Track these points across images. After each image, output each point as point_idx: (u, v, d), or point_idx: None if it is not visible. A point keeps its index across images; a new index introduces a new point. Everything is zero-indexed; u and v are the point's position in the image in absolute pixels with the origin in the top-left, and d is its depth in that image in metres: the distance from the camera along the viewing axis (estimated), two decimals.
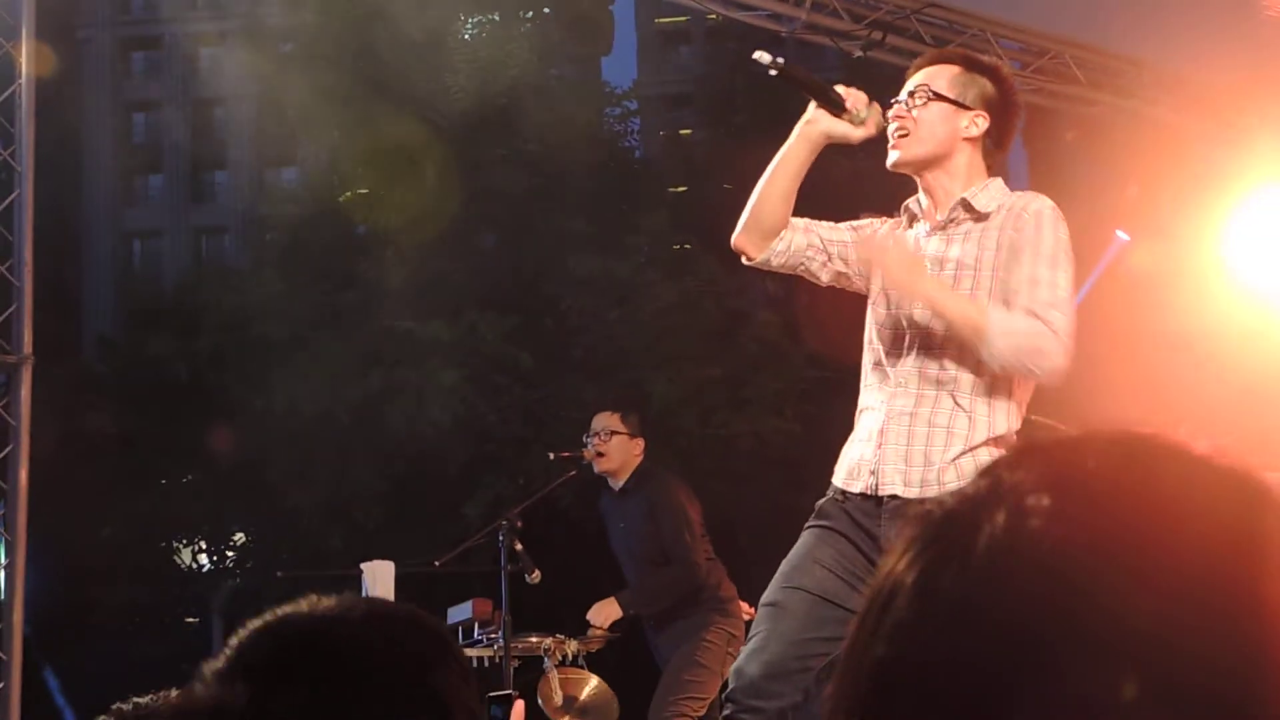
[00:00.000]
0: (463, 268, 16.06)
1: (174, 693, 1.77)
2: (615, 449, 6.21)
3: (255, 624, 1.28)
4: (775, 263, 3.61)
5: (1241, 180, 8.21)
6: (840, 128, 3.48)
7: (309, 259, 17.54)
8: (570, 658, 6.15)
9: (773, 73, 3.49)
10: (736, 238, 3.61)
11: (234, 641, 1.27)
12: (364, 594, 5.86)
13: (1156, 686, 0.64)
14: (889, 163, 3.53)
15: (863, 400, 3.53)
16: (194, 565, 18.67)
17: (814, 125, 3.51)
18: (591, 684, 6.23)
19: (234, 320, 17.49)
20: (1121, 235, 8.81)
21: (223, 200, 42.19)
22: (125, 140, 43.67)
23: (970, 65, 3.54)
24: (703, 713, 5.96)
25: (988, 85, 3.51)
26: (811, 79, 3.55)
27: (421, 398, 15.30)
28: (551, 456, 6.54)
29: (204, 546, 18.55)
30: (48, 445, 6.70)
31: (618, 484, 6.26)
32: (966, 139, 3.47)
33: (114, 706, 1.29)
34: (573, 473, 6.54)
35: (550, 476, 6.77)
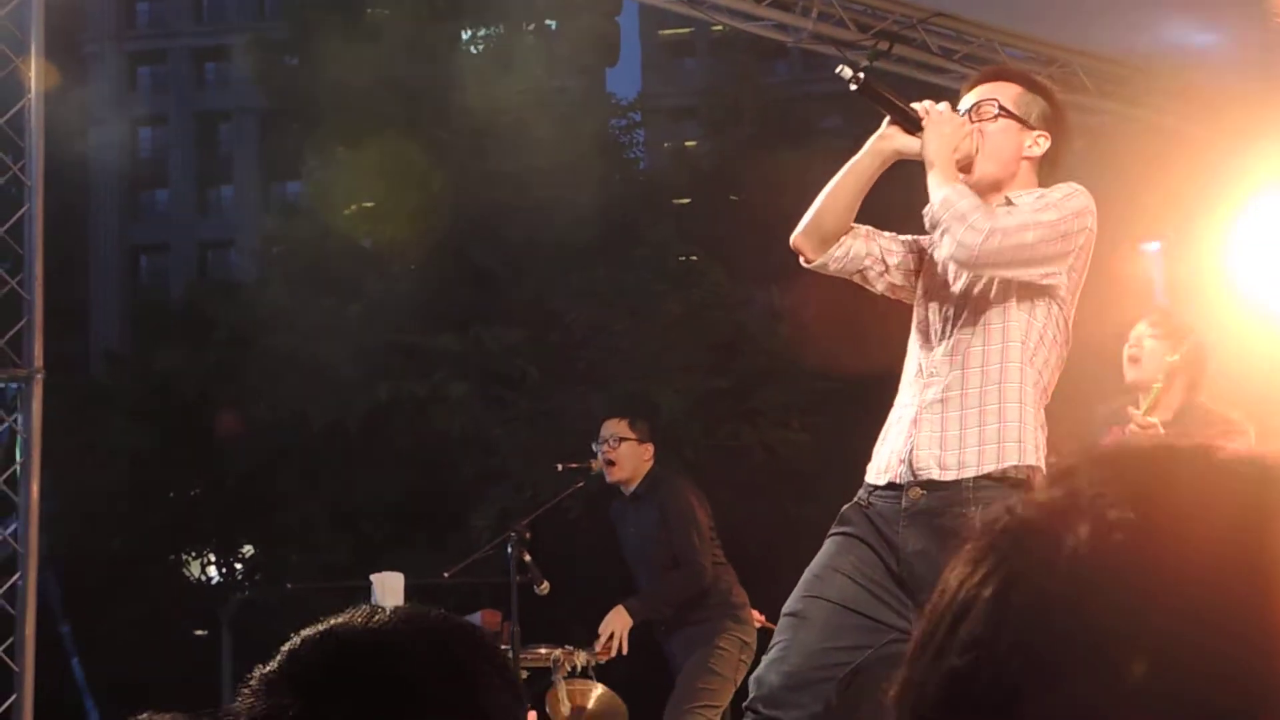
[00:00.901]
0: (468, 280, 16.07)
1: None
2: (625, 456, 6.22)
3: (305, 634, 1.28)
4: (833, 267, 3.60)
5: (1249, 187, 8.21)
6: (913, 146, 3.46)
7: (315, 272, 17.57)
8: (580, 669, 6.15)
9: (853, 88, 3.49)
10: (796, 238, 3.60)
11: (283, 651, 1.27)
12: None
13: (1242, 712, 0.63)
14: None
15: (897, 400, 3.55)
16: (203, 578, 18.68)
17: (886, 142, 3.50)
18: (598, 693, 6.22)
19: (241, 333, 17.51)
20: (1150, 246, 8.78)
21: (229, 214, 42.26)
22: (132, 154, 43.76)
23: (1031, 85, 3.57)
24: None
25: (1046, 105, 3.52)
26: (890, 98, 3.51)
27: (428, 410, 15.31)
28: (559, 468, 6.55)
29: (213, 559, 18.56)
30: (57, 459, 6.71)
31: (629, 490, 6.27)
32: (1028, 158, 3.48)
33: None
34: (580, 484, 6.55)
35: (558, 488, 6.78)
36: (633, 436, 6.24)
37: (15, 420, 5.69)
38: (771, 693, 3.37)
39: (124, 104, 40.09)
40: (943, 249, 3.32)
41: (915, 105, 3.47)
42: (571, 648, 6.12)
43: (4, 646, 5.48)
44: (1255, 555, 0.66)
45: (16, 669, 5.43)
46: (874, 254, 3.59)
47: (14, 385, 5.74)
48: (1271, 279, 8.32)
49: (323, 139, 19.03)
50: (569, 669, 6.11)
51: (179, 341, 18.93)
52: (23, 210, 5.76)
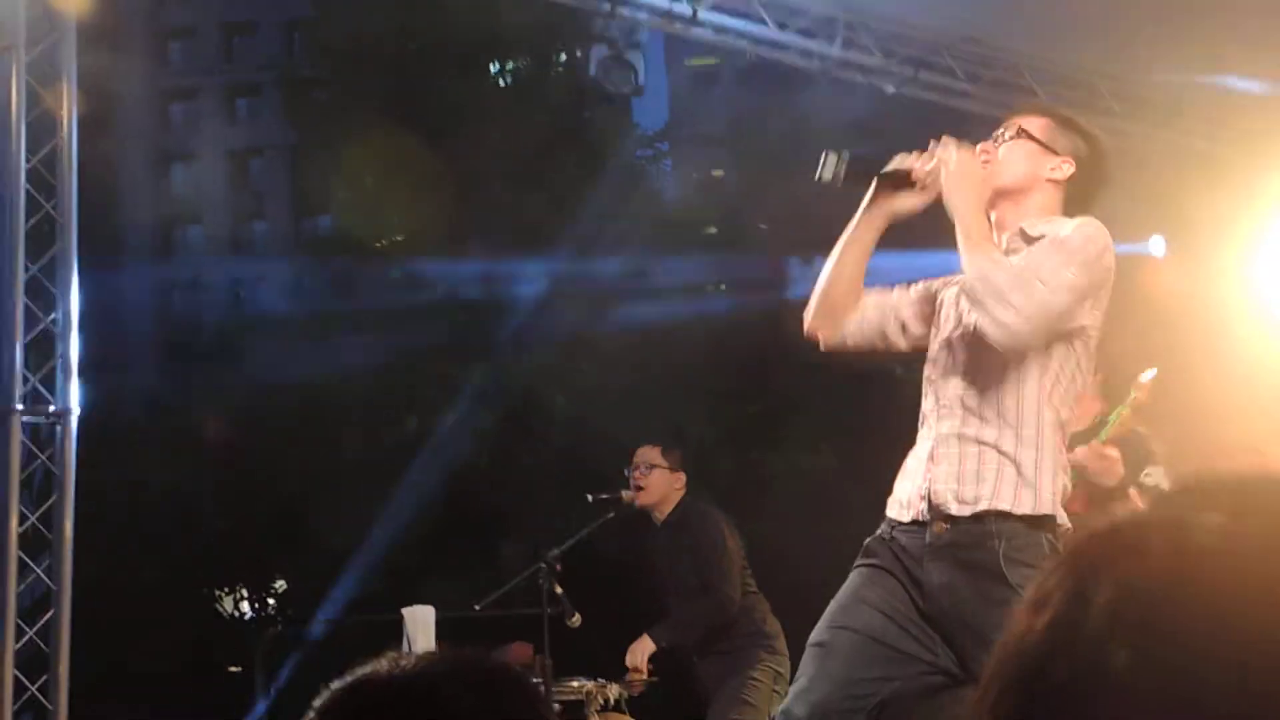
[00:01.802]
0: (496, 309, 16.11)
1: None
2: (656, 483, 6.22)
3: (337, 684, 1.26)
4: (851, 342, 3.60)
5: (1274, 207, 8.17)
6: (905, 204, 3.48)
7: (346, 305, 17.64)
8: (613, 702, 6.13)
9: (839, 186, 3.47)
10: (809, 324, 3.60)
11: (316, 703, 1.25)
12: (405, 640, 5.86)
13: None
14: None
15: (919, 435, 3.53)
16: (236, 613, 18.72)
17: (877, 208, 3.51)
18: None
19: (273, 367, 17.59)
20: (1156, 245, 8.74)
21: (260, 249, 42.49)
22: (164, 191, 44.08)
23: (1067, 123, 3.55)
24: None
25: (1081, 143, 3.51)
26: (874, 164, 3.49)
27: (458, 441, 15.33)
28: (590, 499, 6.55)
29: (245, 594, 18.60)
30: (91, 495, 6.75)
31: (659, 518, 6.26)
32: (1050, 180, 3.46)
33: None
34: (611, 515, 6.54)
35: (588, 519, 6.77)
36: (664, 464, 6.24)
37: (48, 457, 5.73)
38: None
39: (156, 140, 40.42)
40: (983, 326, 3.26)
41: (893, 164, 3.46)
42: (604, 681, 6.11)
43: (39, 684, 5.50)
44: None
45: (51, 707, 5.46)
46: (888, 316, 3.58)
47: (47, 422, 5.78)
48: None
49: (352, 173, 19.14)
50: (601, 703, 6.09)
51: (211, 377, 19.03)
52: (55, 248, 5.82)
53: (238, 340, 20.27)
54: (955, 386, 3.41)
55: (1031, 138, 3.47)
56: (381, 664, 1.27)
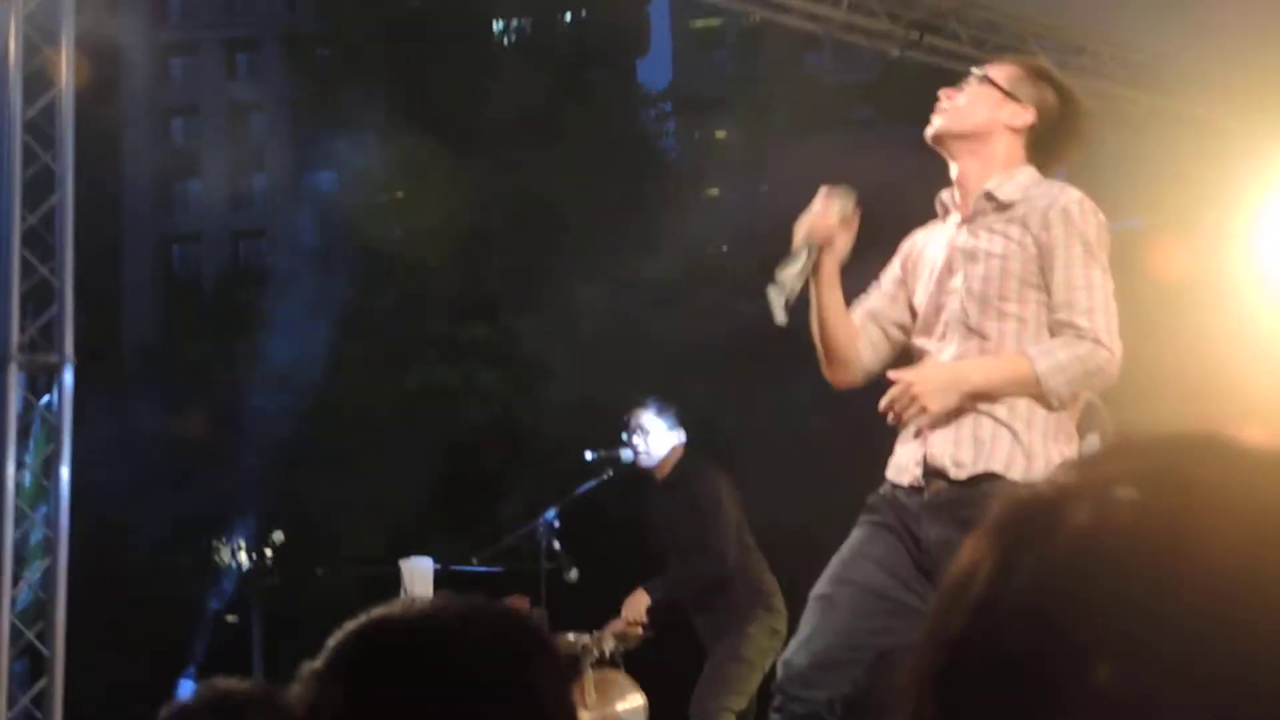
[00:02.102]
0: (498, 269, 16.10)
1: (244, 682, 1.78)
2: (654, 443, 6.25)
3: (350, 625, 1.28)
4: (877, 368, 3.65)
5: (1277, 177, 8.16)
6: (839, 249, 3.52)
7: (347, 262, 17.63)
8: (607, 656, 6.16)
9: (789, 303, 3.49)
10: (830, 375, 3.68)
11: (330, 643, 1.27)
12: (403, 592, 5.89)
13: (1239, 709, 0.63)
14: (927, 134, 3.54)
15: None
16: (233, 564, 18.80)
17: (822, 271, 3.54)
18: (631, 700, 6.20)
19: (273, 324, 17.60)
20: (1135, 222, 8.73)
21: (261, 204, 42.42)
22: (164, 145, 43.98)
23: (1036, 73, 3.56)
24: (744, 706, 5.97)
25: (1048, 93, 3.52)
26: (797, 270, 3.51)
27: (459, 398, 15.36)
28: (589, 456, 6.57)
29: (243, 545, 18.69)
30: (89, 446, 6.77)
31: (659, 477, 6.29)
32: (1010, 128, 3.48)
33: (205, 683, 1.31)
34: (609, 473, 6.57)
35: (588, 476, 6.79)
36: (661, 424, 6.27)
37: (46, 407, 5.75)
38: (800, 673, 3.39)
39: (156, 95, 40.30)
40: (1075, 393, 3.37)
41: (799, 242, 3.49)
42: (600, 635, 6.14)
43: (35, 631, 5.53)
44: (1265, 545, 0.66)
45: (48, 654, 5.49)
46: (886, 327, 3.65)
47: (45, 372, 5.79)
48: None
49: (354, 130, 19.10)
50: (597, 656, 6.12)
51: (211, 331, 19.03)
52: (53, 199, 5.81)
53: (237, 294, 20.26)
54: (949, 357, 3.44)
55: (993, 85, 3.49)
56: (395, 606, 1.29)
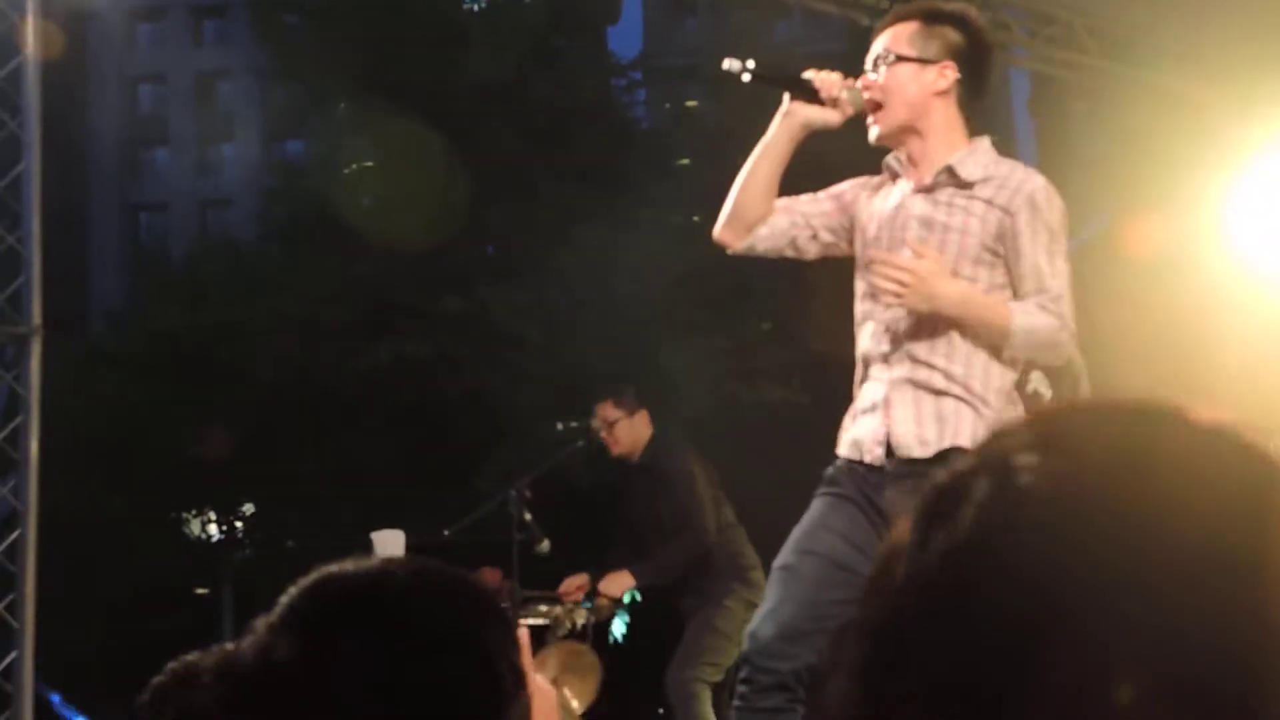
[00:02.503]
0: (471, 240, 16.05)
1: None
2: (621, 433, 6.29)
3: (304, 580, 1.30)
4: (760, 248, 3.63)
5: (1249, 150, 8.18)
6: (819, 115, 3.51)
7: (317, 232, 17.54)
8: (579, 627, 6.17)
9: (746, 78, 3.52)
10: (719, 231, 3.64)
11: (284, 598, 1.29)
12: None
13: (1148, 672, 0.63)
14: (870, 139, 3.54)
15: (860, 370, 3.55)
16: (203, 536, 18.74)
17: (792, 117, 3.54)
18: (579, 653, 6.20)
19: (242, 293, 17.50)
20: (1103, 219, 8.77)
21: (229, 173, 42.15)
22: (131, 113, 43.62)
23: (931, 18, 3.52)
24: (719, 678, 5.99)
25: (951, 34, 3.49)
26: (783, 75, 3.61)
27: (431, 370, 15.32)
28: (559, 426, 6.58)
29: (213, 517, 18.61)
30: (57, 417, 6.71)
31: (634, 460, 6.32)
32: (938, 94, 3.46)
33: (169, 666, 1.32)
34: (580, 443, 6.57)
35: (559, 447, 6.79)
36: (622, 413, 6.30)
37: (14, 377, 5.70)
38: (766, 644, 3.41)
39: (123, 62, 39.93)
40: (1049, 363, 3.44)
41: (807, 74, 3.52)
42: (571, 606, 6.15)
43: (5, 603, 5.50)
44: (1171, 508, 0.66)
45: (17, 625, 5.46)
46: (798, 223, 3.60)
47: (12, 349, 5.74)
48: (1269, 241, 8.31)
49: (323, 98, 18.97)
50: (568, 628, 6.13)
51: (179, 301, 18.92)
52: (20, 167, 5.75)
53: (205, 263, 20.14)
54: (901, 333, 3.44)
55: (905, 59, 3.47)
56: (346, 564, 1.31)
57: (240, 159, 41.34)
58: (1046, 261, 3.35)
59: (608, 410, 6.31)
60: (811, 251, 3.64)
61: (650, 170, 17.55)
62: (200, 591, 18.06)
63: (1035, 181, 3.41)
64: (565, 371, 14.02)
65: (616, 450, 6.31)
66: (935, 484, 0.73)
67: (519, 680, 1.30)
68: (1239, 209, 8.37)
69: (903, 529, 0.72)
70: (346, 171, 17.74)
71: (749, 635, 3.48)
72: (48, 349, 5.72)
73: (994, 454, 0.71)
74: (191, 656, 1.90)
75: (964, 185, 3.42)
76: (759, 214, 3.58)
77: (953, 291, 3.29)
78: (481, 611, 1.31)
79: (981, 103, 3.55)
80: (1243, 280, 8.35)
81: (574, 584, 6.26)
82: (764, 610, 3.48)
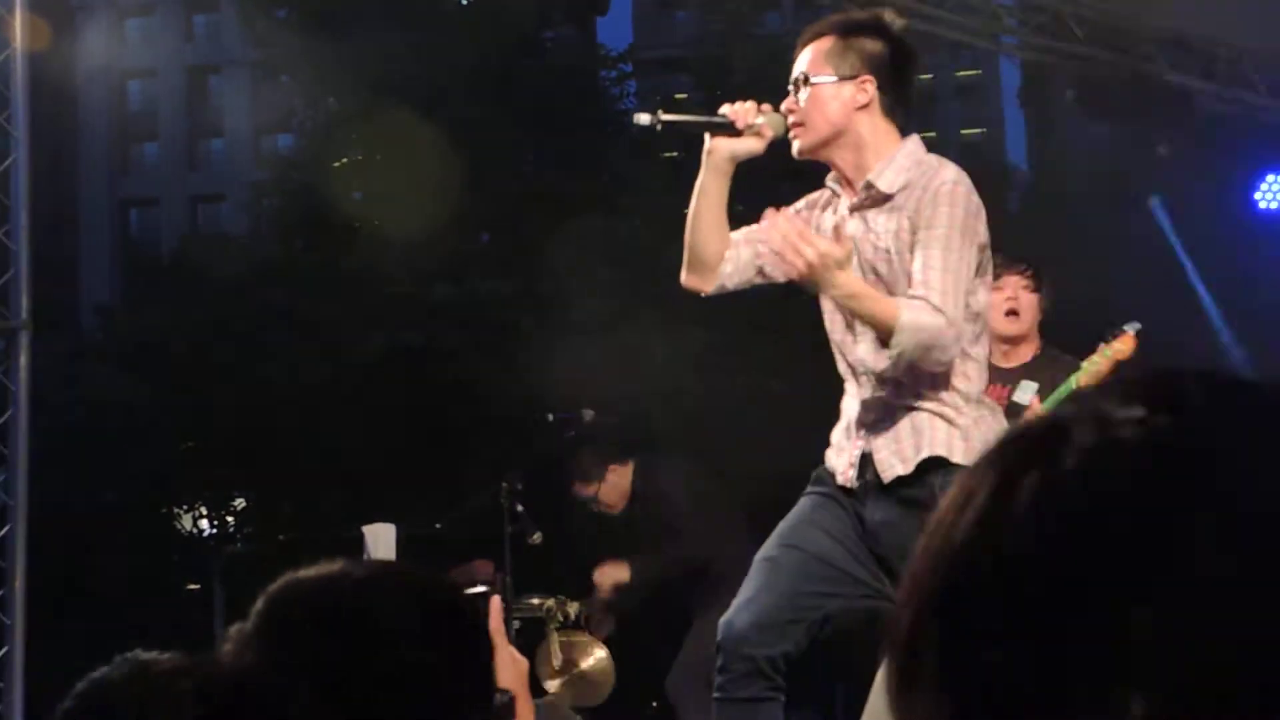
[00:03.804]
0: (461, 230, 16.03)
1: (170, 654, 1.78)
2: (612, 492, 6.30)
3: (272, 588, 1.30)
4: (730, 285, 3.63)
5: (1245, 138, 8.19)
6: (741, 146, 3.50)
7: (307, 225, 17.50)
8: (572, 619, 6.17)
9: (658, 129, 3.55)
10: (685, 279, 3.64)
11: (255, 609, 1.29)
12: (366, 556, 5.87)
13: (1245, 626, 0.64)
14: (793, 153, 3.52)
15: (844, 390, 3.56)
16: (195, 531, 18.71)
17: (716, 153, 3.53)
18: (595, 655, 6.22)
19: (233, 287, 17.46)
20: (1157, 205, 8.78)
21: (219, 167, 42.07)
22: (121, 107, 43.53)
23: (846, 30, 3.49)
24: None
25: (868, 44, 3.46)
26: (693, 119, 3.63)
27: (423, 361, 15.31)
28: (550, 418, 6.57)
29: (204, 512, 18.58)
30: (48, 412, 6.71)
31: (630, 502, 6.36)
32: (859, 109, 3.43)
33: (126, 656, 1.32)
34: (572, 433, 6.56)
35: (551, 438, 6.79)
36: (594, 485, 6.34)
37: (3, 372, 5.69)
38: (740, 633, 3.42)
39: (113, 56, 39.83)
40: (926, 363, 3.29)
41: (723, 109, 3.51)
42: (564, 598, 6.15)
43: None
44: (1254, 464, 0.67)
45: (8, 621, 5.45)
46: (760, 252, 3.58)
47: (1, 344, 5.73)
48: (1268, 230, 8.34)
49: (312, 91, 18.91)
50: (561, 619, 6.13)
51: (170, 295, 18.87)
52: (9, 161, 5.73)
53: (195, 257, 20.10)
54: (863, 355, 3.45)
55: (819, 81, 3.43)
56: (311, 569, 1.31)
57: (230, 153, 41.26)
58: (939, 258, 3.27)
59: (580, 489, 6.35)
60: (780, 275, 3.60)
61: (640, 161, 17.53)
62: (192, 586, 18.03)
63: (944, 175, 3.36)
64: (556, 362, 14.02)
65: (618, 507, 6.36)
66: (1018, 430, 0.73)
67: (489, 683, 1.30)
68: (1234, 198, 8.39)
69: (974, 474, 0.72)
70: (336, 165, 17.71)
71: (724, 624, 3.49)
72: (37, 344, 5.72)
73: (1095, 405, 0.71)
74: (143, 655, 1.88)
75: (885, 199, 3.40)
76: (716, 252, 3.57)
77: (844, 282, 3.23)
78: (449, 615, 1.31)
79: (905, 108, 3.50)
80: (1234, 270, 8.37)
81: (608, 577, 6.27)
82: (741, 599, 3.49)
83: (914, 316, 3.22)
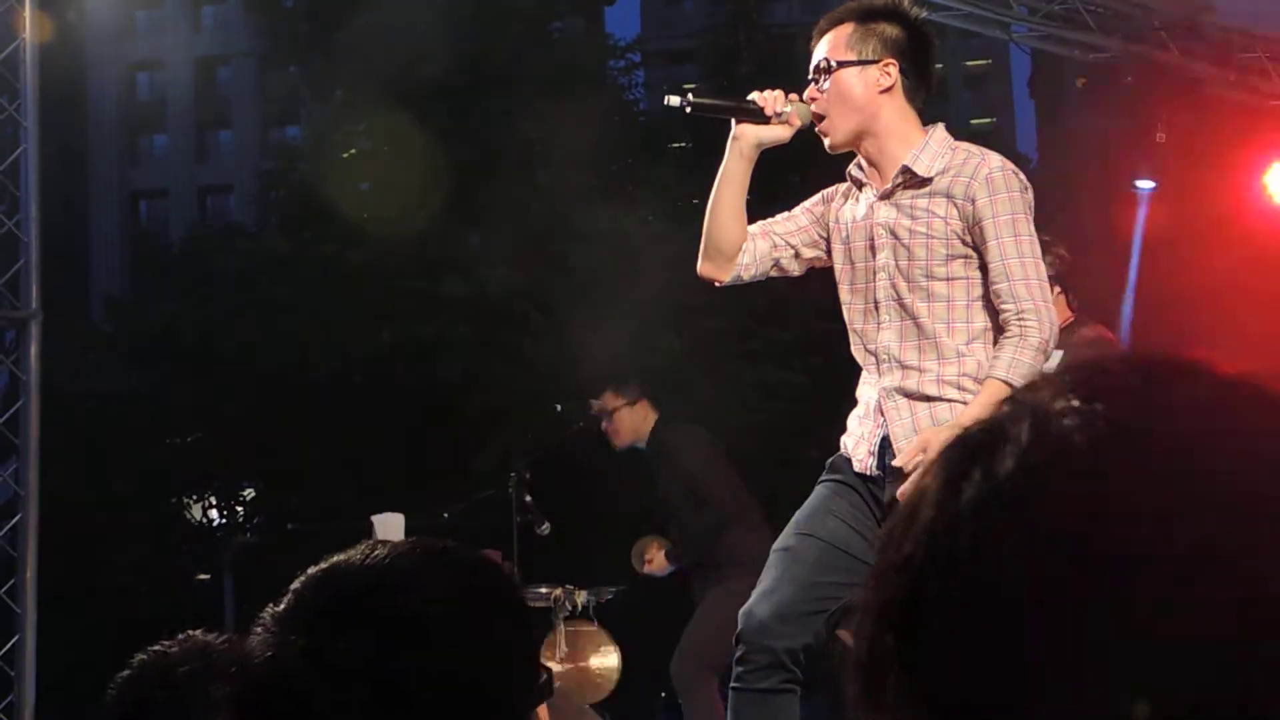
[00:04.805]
0: (469, 222, 16.03)
1: (216, 635, 1.77)
2: (622, 423, 6.31)
3: (311, 571, 1.27)
4: (746, 276, 3.63)
5: (1257, 130, 8.17)
6: (768, 133, 3.51)
7: (316, 217, 17.50)
8: (580, 608, 6.18)
9: (687, 110, 3.54)
10: (701, 267, 3.65)
11: (291, 589, 1.26)
12: None
13: (1195, 596, 0.63)
14: (826, 148, 3.54)
15: (861, 378, 3.56)
16: (204, 521, 18.74)
17: (742, 140, 3.53)
18: (603, 650, 6.22)
19: (242, 279, 17.47)
20: (1143, 185, 8.73)
21: (228, 159, 42.11)
22: (130, 99, 43.55)
23: (865, 16, 3.51)
24: (724, 669, 5.99)
25: (888, 29, 3.48)
26: (723, 103, 3.63)
27: (433, 353, 15.31)
28: (559, 409, 6.58)
29: (214, 502, 18.61)
30: (57, 402, 6.72)
31: (642, 447, 6.34)
32: (884, 92, 3.45)
33: (178, 636, 1.29)
34: (580, 424, 6.57)
35: (559, 429, 6.80)
36: (623, 403, 6.30)
37: (13, 362, 5.69)
38: (761, 624, 3.41)
39: (122, 48, 39.86)
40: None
41: (752, 96, 3.52)
42: (572, 587, 6.15)
43: (6, 588, 5.50)
44: (1212, 445, 0.67)
45: (19, 610, 5.46)
46: (779, 245, 3.61)
47: (11, 333, 5.73)
48: (1268, 220, 8.30)
49: (321, 83, 18.91)
50: (569, 609, 6.14)
51: (179, 286, 18.89)
52: (19, 151, 5.73)
53: (205, 248, 20.11)
54: (887, 343, 3.44)
55: (845, 64, 3.45)
56: (354, 552, 1.27)
57: (239, 145, 41.29)
58: (1013, 246, 3.31)
59: (607, 399, 6.32)
60: (796, 269, 3.65)
61: (648, 152, 17.51)
62: (202, 576, 18.06)
63: (991, 162, 3.38)
64: (564, 353, 14.02)
65: (618, 441, 6.32)
66: (965, 431, 0.73)
67: (534, 672, 1.27)
68: (1238, 187, 8.36)
69: (923, 475, 0.72)
70: (345, 156, 17.70)
71: (744, 614, 3.48)
72: (47, 334, 5.72)
73: (1031, 401, 0.71)
74: (167, 647, 1.86)
75: (923, 182, 3.40)
76: (734, 241, 3.58)
77: (950, 433, 3.27)
78: (491, 600, 1.27)
79: (926, 91, 3.52)
80: (1240, 259, 8.35)
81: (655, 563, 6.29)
82: (761, 590, 3.49)
83: (1016, 369, 3.25)
